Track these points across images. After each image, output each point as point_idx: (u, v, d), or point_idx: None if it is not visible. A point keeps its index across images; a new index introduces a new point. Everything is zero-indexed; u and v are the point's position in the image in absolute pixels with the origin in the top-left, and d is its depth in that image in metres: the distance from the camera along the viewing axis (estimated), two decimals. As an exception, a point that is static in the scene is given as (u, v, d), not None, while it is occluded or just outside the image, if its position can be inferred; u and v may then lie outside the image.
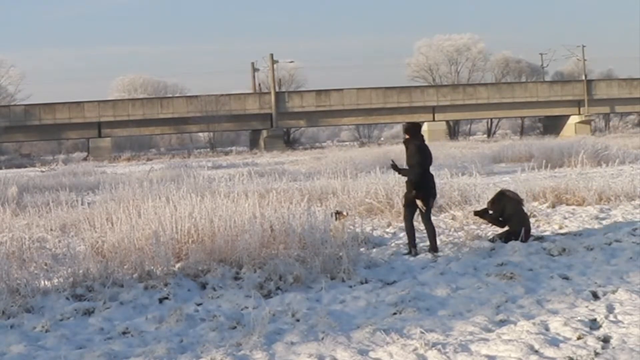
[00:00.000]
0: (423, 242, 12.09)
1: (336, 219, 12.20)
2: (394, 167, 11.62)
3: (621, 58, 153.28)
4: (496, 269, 9.74)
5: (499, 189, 12.46)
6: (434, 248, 11.24)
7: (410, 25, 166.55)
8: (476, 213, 12.47)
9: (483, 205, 13.02)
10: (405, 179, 11.61)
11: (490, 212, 12.03)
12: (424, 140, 11.59)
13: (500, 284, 8.96)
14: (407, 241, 11.37)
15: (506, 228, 11.79)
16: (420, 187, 11.22)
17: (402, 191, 15.39)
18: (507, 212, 11.79)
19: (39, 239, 12.49)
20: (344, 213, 12.98)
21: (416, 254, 11.11)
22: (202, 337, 7.30)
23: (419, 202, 11.17)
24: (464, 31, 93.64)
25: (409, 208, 11.36)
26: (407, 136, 11.54)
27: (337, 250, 10.10)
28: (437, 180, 16.55)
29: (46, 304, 8.57)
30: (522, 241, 11.30)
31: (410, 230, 11.34)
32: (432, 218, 11.40)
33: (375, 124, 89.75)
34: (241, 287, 9.03)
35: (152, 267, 9.66)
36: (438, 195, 12.77)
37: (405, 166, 11.56)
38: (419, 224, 11.45)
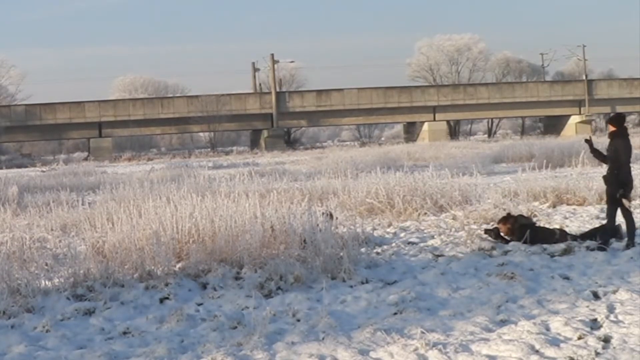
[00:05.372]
0: (423, 242, 12.10)
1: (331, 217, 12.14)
2: (590, 144, 11.15)
3: (621, 58, 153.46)
4: (497, 269, 9.74)
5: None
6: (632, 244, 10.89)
7: (411, 25, 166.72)
8: (487, 232, 11.90)
9: (482, 205, 12.94)
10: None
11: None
12: (628, 134, 11.17)
13: (501, 284, 8.95)
14: (407, 240, 11.33)
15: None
16: (627, 185, 10.92)
17: (402, 191, 15.46)
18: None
19: (40, 239, 12.50)
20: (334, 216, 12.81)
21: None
22: (203, 337, 7.30)
23: (625, 202, 10.86)
24: (464, 31, 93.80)
25: (613, 205, 11.02)
26: (612, 128, 11.10)
27: (338, 250, 10.09)
28: (438, 181, 16.65)
29: (47, 304, 8.57)
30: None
31: (614, 227, 11.04)
32: (433, 218, 11.40)
33: (376, 124, 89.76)
34: (242, 287, 9.03)
35: (153, 267, 9.66)
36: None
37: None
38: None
